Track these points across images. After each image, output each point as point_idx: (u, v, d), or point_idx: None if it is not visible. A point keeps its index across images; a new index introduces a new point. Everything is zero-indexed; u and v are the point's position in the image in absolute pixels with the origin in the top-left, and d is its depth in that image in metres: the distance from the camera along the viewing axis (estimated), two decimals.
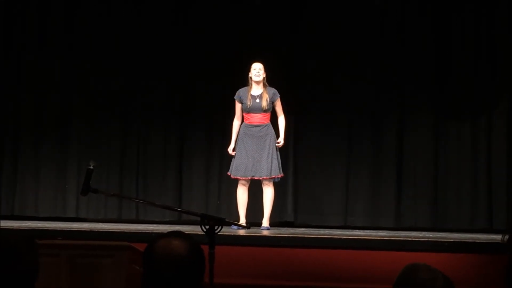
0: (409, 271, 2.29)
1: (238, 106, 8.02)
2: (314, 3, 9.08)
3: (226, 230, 3.80)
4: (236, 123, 8.05)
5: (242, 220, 7.86)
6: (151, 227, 7.96)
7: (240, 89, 8.03)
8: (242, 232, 7.10)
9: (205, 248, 2.58)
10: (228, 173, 8.08)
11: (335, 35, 8.95)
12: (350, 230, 8.23)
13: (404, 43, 8.93)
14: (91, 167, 3.87)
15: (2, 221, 7.46)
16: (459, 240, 6.89)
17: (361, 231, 8.15)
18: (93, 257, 4.87)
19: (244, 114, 8.01)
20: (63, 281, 4.79)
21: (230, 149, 8.02)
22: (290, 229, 8.40)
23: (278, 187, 8.34)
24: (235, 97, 8.03)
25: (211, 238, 3.52)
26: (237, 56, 8.75)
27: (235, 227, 6.89)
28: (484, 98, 8.78)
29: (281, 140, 8.00)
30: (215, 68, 9.05)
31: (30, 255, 2.24)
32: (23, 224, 7.97)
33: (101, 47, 9.22)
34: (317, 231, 7.85)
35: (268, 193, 7.95)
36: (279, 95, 8.00)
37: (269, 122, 7.99)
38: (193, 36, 9.14)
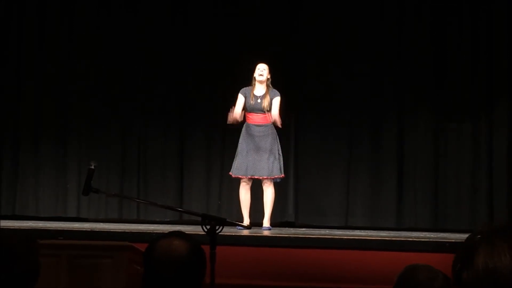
0: (409, 271, 2.29)
1: (240, 99, 7.93)
2: (314, 3, 9.08)
3: (227, 230, 3.79)
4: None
5: (246, 220, 7.83)
6: (152, 227, 7.95)
7: (245, 87, 8.01)
8: (243, 232, 7.09)
9: (206, 248, 2.58)
10: (230, 173, 8.08)
11: (334, 35, 8.94)
12: (351, 231, 8.22)
13: (404, 43, 8.92)
14: (92, 167, 3.87)
15: (2, 221, 7.46)
16: (461, 241, 6.85)
17: (362, 231, 8.14)
18: (93, 257, 4.87)
19: (246, 114, 8.00)
20: (64, 281, 4.79)
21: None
22: (291, 229, 8.39)
23: (279, 187, 8.34)
24: (240, 92, 7.97)
25: (212, 238, 3.52)
26: (237, 56, 8.75)
27: (239, 227, 6.88)
28: (484, 97, 8.77)
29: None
30: (215, 68, 9.04)
31: (31, 256, 2.24)
32: (24, 224, 7.96)
33: (101, 47, 9.21)
34: (318, 232, 7.84)
35: (269, 193, 7.95)
36: (279, 95, 7.96)
37: (271, 123, 7.98)
38: (193, 36, 9.14)
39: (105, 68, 9.23)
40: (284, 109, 8.40)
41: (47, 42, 9.30)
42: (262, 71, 7.94)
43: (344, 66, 8.95)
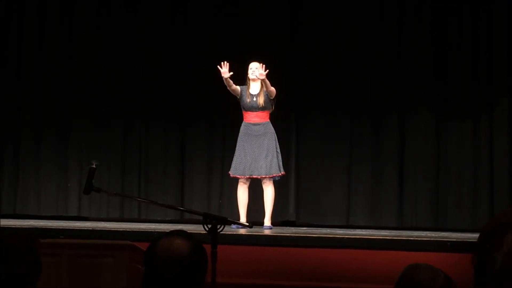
0: (410, 271, 2.29)
1: (237, 87, 7.96)
2: (314, 3, 9.08)
3: (228, 230, 3.80)
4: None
5: (243, 220, 7.84)
6: (153, 226, 7.96)
7: (241, 86, 8.03)
8: (244, 231, 7.10)
9: (208, 247, 2.58)
10: (229, 173, 8.08)
11: (334, 35, 8.95)
12: (352, 230, 8.22)
13: (404, 43, 8.92)
14: (94, 166, 3.87)
15: (4, 220, 7.46)
16: (462, 240, 6.87)
17: (363, 230, 8.14)
18: (95, 257, 4.86)
19: (243, 113, 8.02)
20: (65, 281, 4.79)
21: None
22: (292, 228, 8.39)
23: (280, 186, 8.34)
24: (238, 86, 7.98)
25: (214, 237, 3.52)
26: (237, 56, 8.74)
27: (234, 226, 6.89)
28: (485, 97, 8.77)
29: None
30: (215, 68, 9.03)
31: (32, 255, 2.23)
32: (25, 223, 7.96)
33: (101, 47, 9.22)
34: (319, 231, 7.84)
35: (269, 192, 7.95)
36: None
37: (268, 121, 7.98)
38: (193, 36, 9.14)
39: (105, 68, 9.23)
40: (284, 109, 8.41)
41: (47, 42, 9.30)
42: (254, 70, 7.96)
43: (344, 66, 8.95)
